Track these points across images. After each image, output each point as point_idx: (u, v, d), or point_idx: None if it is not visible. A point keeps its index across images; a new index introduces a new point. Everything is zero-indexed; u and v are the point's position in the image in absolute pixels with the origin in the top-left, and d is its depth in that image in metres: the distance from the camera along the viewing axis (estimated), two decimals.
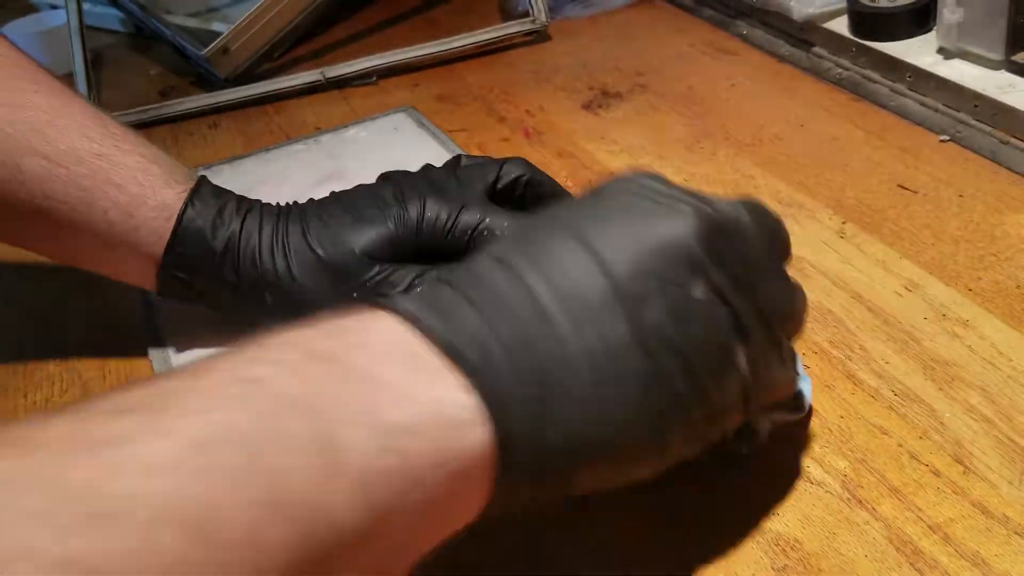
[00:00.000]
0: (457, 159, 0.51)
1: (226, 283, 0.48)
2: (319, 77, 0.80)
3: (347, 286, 0.47)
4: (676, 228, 0.31)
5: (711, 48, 0.78)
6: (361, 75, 0.81)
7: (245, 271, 0.47)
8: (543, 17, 0.83)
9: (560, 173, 0.63)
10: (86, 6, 0.85)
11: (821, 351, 0.45)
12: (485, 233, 0.47)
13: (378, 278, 0.47)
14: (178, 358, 0.51)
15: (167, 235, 0.47)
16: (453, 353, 0.28)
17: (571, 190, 0.60)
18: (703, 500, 0.39)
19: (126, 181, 0.46)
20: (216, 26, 0.89)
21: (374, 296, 0.47)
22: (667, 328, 0.30)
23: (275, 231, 0.47)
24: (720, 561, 0.36)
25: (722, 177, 0.60)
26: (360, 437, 0.26)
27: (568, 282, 0.30)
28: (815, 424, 0.41)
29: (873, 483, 0.38)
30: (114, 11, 1.00)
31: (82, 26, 0.82)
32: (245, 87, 0.81)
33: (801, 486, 0.38)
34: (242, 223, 0.47)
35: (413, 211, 0.47)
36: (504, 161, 0.50)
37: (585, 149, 0.66)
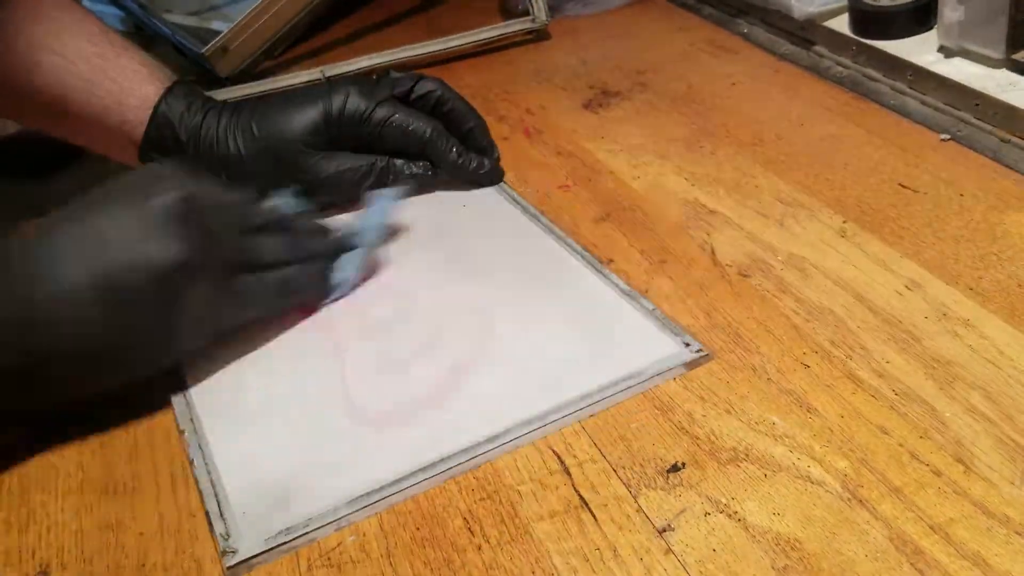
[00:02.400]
0: (387, 72, 0.61)
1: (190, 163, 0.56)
2: (319, 76, 0.80)
3: (286, 169, 0.57)
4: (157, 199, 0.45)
5: (712, 47, 0.78)
6: (360, 74, 0.81)
7: (205, 153, 0.58)
8: (543, 16, 0.83)
9: (560, 172, 0.63)
10: (85, 4, 0.85)
11: (822, 350, 0.45)
12: (394, 125, 0.58)
13: (308, 164, 0.58)
14: None
15: (146, 121, 0.58)
16: None
17: (571, 189, 0.61)
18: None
19: (119, 76, 0.58)
20: (216, 25, 0.89)
21: (312, 181, 0.58)
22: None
23: (230, 120, 0.58)
24: (720, 561, 0.36)
25: (722, 176, 0.60)
26: None
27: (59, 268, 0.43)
28: (816, 424, 0.41)
29: (874, 483, 0.38)
30: (114, 10, 1.00)
31: None
32: (244, 86, 0.81)
33: (801, 486, 0.38)
34: (204, 116, 0.58)
35: (338, 101, 0.58)
36: (421, 77, 0.61)
37: (585, 148, 0.66)
